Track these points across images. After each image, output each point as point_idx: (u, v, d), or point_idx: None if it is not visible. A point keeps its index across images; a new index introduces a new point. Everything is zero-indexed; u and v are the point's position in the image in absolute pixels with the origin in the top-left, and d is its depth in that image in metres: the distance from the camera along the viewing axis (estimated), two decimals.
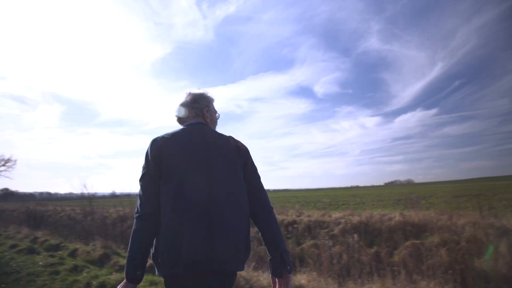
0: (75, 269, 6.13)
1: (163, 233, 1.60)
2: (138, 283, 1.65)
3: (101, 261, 6.69)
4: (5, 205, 31.41)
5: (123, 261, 6.32)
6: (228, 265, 1.60)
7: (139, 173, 1.77)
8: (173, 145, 1.73)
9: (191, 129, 1.84)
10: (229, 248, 1.60)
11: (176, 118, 2.03)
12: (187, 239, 1.55)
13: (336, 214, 10.40)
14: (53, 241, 8.91)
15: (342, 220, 9.19)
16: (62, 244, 8.58)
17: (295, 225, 9.64)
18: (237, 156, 1.81)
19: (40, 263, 6.76)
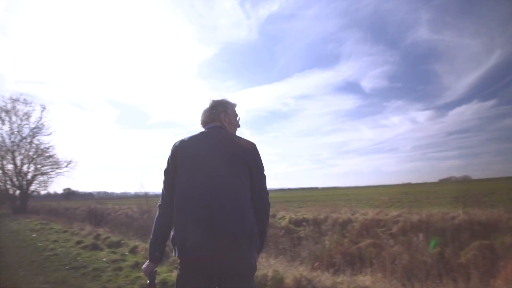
0: (137, 266, 6.32)
1: (175, 221, 1.92)
2: (159, 263, 2.03)
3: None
4: (68, 203, 33.47)
5: None
6: (227, 251, 1.82)
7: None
8: (186, 147, 2.05)
9: (207, 132, 2.14)
10: (227, 237, 1.81)
11: (201, 123, 2.29)
12: (191, 227, 1.83)
13: (392, 212, 10.01)
14: (114, 238, 9.29)
15: (401, 219, 8.80)
16: (123, 241, 8.92)
17: (350, 224, 9.40)
18: (241, 155, 2.01)
19: (104, 259, 7.06)
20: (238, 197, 1.93)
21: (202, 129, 2.25)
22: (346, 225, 9.45)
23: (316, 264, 6.25)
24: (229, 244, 1.82)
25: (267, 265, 5.73)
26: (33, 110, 35.73)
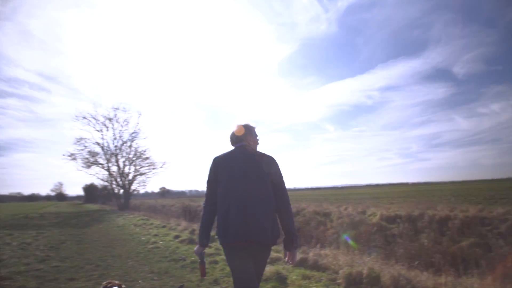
0: None
1: (218, 217, 2.61)
2: (206, 247, 2.79)
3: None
4: (164, 201, 35.98)
5: (273, 254, 6.56)
6: (258, 237, 2.48)
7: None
8: (224, 161, 2.75)
9: (237, 150, 2.83)
10: (258, 228, 2.48)
11: (230, 142, 2.97)
12: (232, 221, 2.49)
13: (498, 210, 9.08)
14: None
15: (510, 217, 7.97)
16: (216, 236, 9.34)
17: (449, 221, 8.74)
18: (264, 166, 2.68)
19: None
20: (265, 199, 2.59)
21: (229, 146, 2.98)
22: (445, 222, 8.81)
23: (416, 263, 5.93)
24: (258, 233, 2.49)
25: (361, 262, 5.59)
26: (131, 117, 39.49)
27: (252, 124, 3.01)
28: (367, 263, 5.34)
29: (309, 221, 13.24)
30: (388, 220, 11.57)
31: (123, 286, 3.11)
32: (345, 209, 14.46)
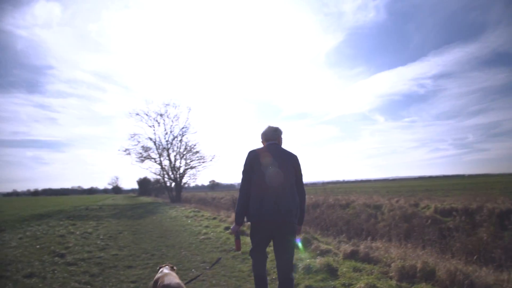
0: None
1: (252, 200, 3.24)
2: (241, 225, 3.39)
3: (303, 245, 7.05)
4: (214, 194, 36.82)
5: (324, 246, 6.54)
6: (285, 217, 3.14)
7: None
8: (259, 154, 3.35)
9: (270, 146, 3.48)
10: (287, 209, 3.15)
11: (261, 140, 3.70)
12: (265, 204, 3.15)
13: None
14: None
15: None
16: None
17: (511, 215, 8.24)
18: (292, 162, 3.38)
19: (250, 245, 7.59)
20: (291, 188, 3.29)
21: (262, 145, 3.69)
22: (506, 216, 8.32)
23: (474, 258, 5.66)
24: (286, 214, 3.15)
25: (415, 255, 5.43)
26: (181, 112, 40.74)
27: (280, 128, 3.69)
28: (421, 257, 5.17)
29: (359, 213, 13.03)
30: (443, 213, 11.13)
31: (174, 268, 3.55)
32: (397, 201, 14.07)
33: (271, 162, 3.27)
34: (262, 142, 3.67)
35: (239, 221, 3.33)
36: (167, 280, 2.95)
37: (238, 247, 3.43)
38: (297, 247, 4.63)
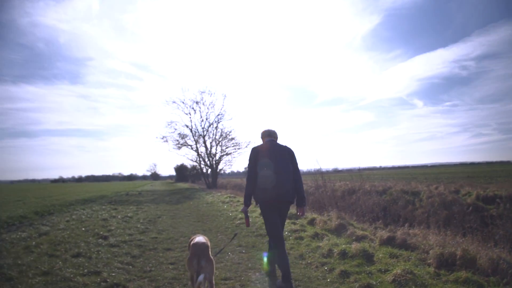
0: (316, 236, 6.67)
1: (258, 185, 4.19)
2: (249, 206, 4.40)
3: (338, 231, 7.04)
4: None
5: (359, 232, 6.51)
6: (284, 197, 4.13)
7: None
8: (261, 150, 4.35)
9: (268, 142, 4.48)
10: (285, 191, 4.11)
11: (261, 136, 4.77)
12: (269, 187, 4.09)
13: None
14: (292, 211, 9.94)
15: None
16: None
17: None
18: (287, 154, 4.36)
19: (286, 229, 7.64)
20: (288, 174, 4.22)
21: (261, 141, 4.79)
22: None
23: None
24: (284, 194, 4.14)
25: (454, 243, 5.29)
26: (217, 99, 41.17)
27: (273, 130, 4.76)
28: (461, 244, 5.04)
29: (396, 200, 12.80)
30: (486, 200, 10.74)
31: (206, 237, 3.89)
32: (436, 188, 13.69)
33: (270, 155, 4.29)
34: (262, 139, 4.76)
35: (247, 203, 4.41)
36: (196, 239, 3.69)
37: (247, 223, 4.54)
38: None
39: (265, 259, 4.77)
